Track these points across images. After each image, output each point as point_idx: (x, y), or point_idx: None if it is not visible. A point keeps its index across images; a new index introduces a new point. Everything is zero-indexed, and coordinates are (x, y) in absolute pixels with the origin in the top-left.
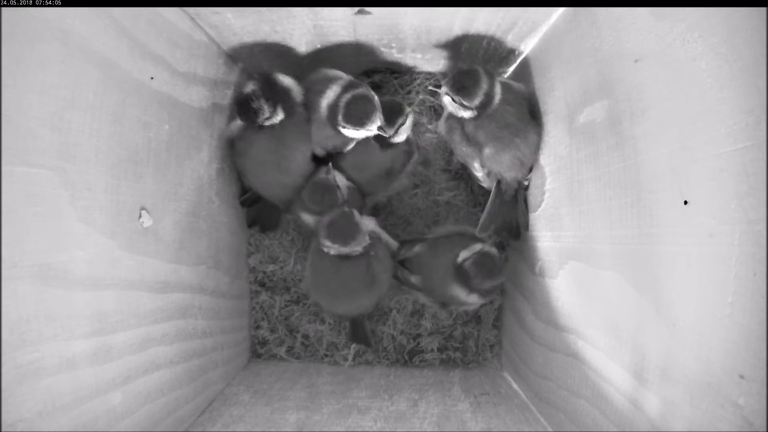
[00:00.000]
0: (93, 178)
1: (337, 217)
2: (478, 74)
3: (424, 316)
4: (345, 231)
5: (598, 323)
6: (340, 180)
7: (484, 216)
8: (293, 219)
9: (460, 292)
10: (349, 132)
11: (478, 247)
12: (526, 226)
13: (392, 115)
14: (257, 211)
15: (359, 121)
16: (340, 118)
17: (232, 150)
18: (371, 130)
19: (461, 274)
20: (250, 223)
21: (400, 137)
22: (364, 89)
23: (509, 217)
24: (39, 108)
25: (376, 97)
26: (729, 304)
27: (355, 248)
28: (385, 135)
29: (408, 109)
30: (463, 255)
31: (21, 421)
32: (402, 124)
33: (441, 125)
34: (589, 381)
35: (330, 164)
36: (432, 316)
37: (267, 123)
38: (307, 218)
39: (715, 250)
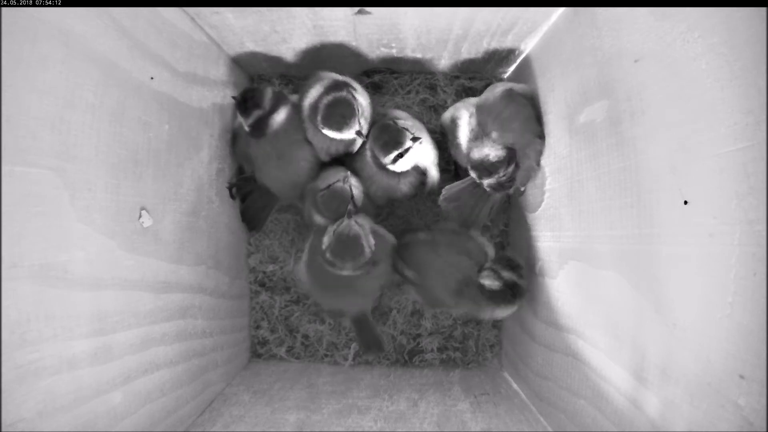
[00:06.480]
0: (93, 178)
1: (343, 235)
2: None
3: (424, 316)
4: (350, 249)
5: (598, 323)
6: (356, 188)
7: (453, 190)
8: (293, 219)
9: (484, 312)
10: (330, 134)
11: (505, 275)
12: (476, 226)
13: (388, 146)
14: (245, 208)
15: (337, 126)
16: (319, 119)
17: (235, 144)
18: (350, 134)
19: (493, 296)
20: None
21: (400, 166)
22: (346, 92)
23: (473, 208)
24: (39, 108)
25: (359, 101)
26: (729, 304)
27: (361, 260)
28: (363, 138)
29: (409, 143)
30: (487, 282)
31: (21, 421)
32: (400, 156)
33: (448, 115)
34: (589, 381)
35: (348, 173)
36: (432, 316)
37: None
38: (319, 219)
39: (715, 250)
